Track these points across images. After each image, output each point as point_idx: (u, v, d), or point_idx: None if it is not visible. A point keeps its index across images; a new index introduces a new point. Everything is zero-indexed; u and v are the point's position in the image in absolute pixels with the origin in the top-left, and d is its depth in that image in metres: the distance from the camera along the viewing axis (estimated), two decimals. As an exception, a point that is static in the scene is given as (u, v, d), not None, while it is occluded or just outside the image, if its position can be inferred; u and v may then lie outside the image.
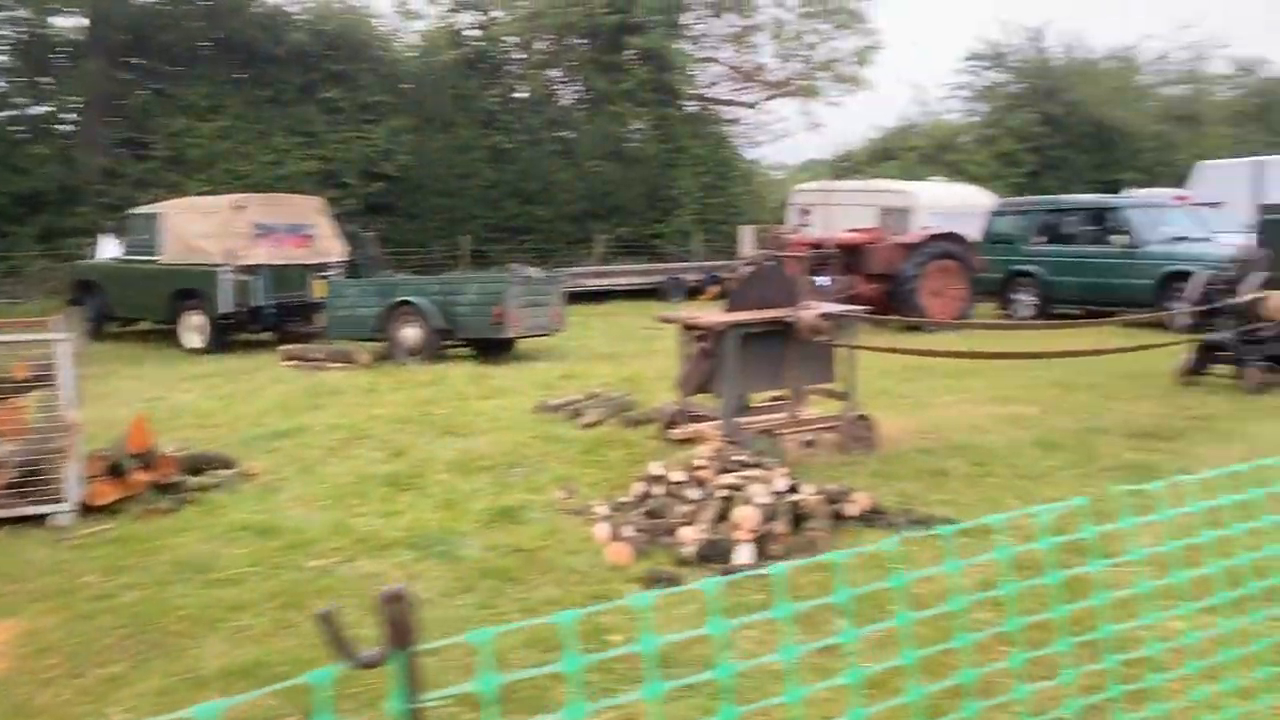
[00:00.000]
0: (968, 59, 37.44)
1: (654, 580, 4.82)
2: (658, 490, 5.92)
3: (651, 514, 5.69)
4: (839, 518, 5.57)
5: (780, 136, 34.08)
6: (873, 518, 5.63)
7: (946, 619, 2.27)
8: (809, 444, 7.64)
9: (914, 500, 6.10)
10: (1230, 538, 2.65)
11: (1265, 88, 41.15)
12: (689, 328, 7.49)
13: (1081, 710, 2.37)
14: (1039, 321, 15.45)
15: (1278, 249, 10.59)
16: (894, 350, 9.62)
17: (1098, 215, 17.26)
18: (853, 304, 15.53)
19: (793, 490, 5.68)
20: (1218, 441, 7.69)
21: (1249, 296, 9.98)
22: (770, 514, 5.41)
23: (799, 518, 5.42)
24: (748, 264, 8.87)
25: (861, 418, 7.54)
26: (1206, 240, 16.05)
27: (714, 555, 5.09)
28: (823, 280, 15.24)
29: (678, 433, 7.61)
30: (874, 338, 14.07)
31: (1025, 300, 17.46)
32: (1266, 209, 11.97)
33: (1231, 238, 14.98)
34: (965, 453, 7.31)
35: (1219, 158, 31.09)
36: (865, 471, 6.82)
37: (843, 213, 20.25)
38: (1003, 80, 37.21)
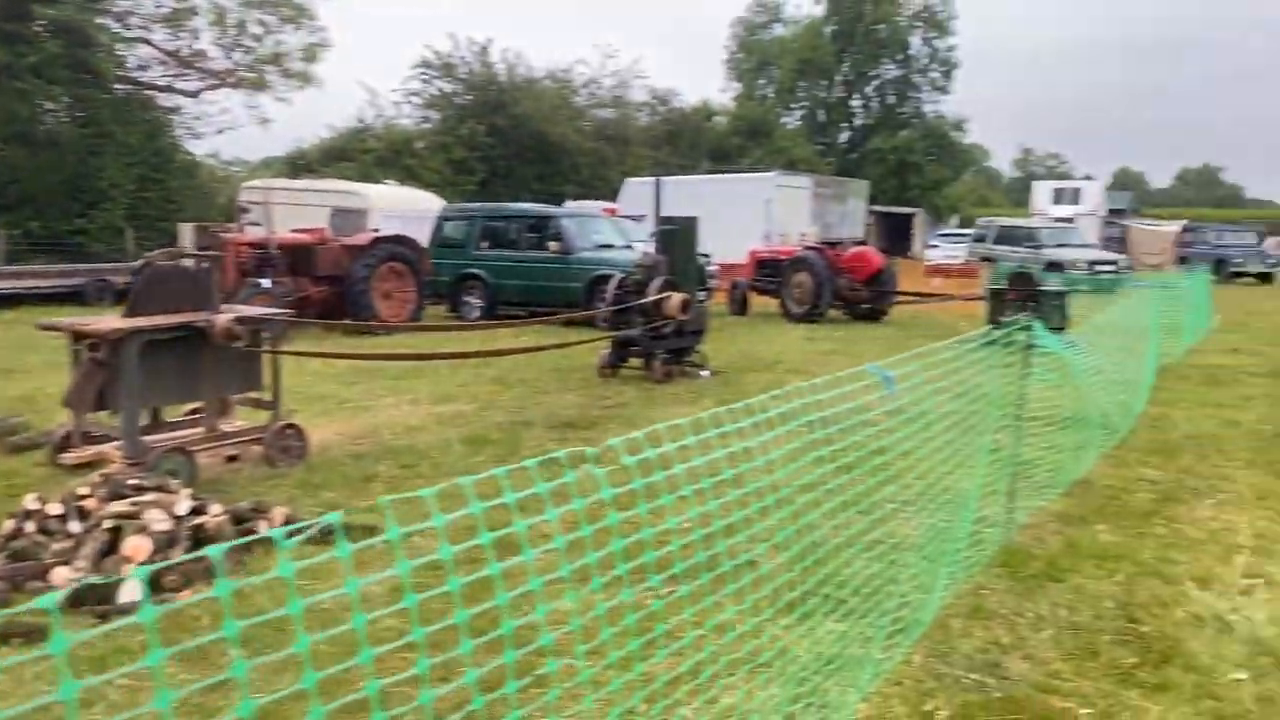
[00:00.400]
0: (417, 67, 38.25)
1: (7, 636, 4.05)
2: (31, 527, 5.05)
3: (18, 555, 4.83)
4: (249, 536, 5.18)
5: (226, 129, 32.00)
6: (289, 533, 5.31)
7: (352, 633, 2.12)
8: (232, 459, 7.09)
9: (339, 508, 5.89)
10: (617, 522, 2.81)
11: (676, 116, 47.62)
12: (79, 336, 6.53)
13: (485, 707, 2.35)
14: (485, 322, 16.16)
15: (673, 256, 12.13)
16: (324, 355, 9.35)
17: (535, 223, 18.54)
18: (300, 307, 15.16)
19: (198, 513, 5.17)
20: (627, 427, 8.53)
21: (653, 297, 11.33)
22: (168, 541, 4.87)
23: (201, 541, 4.94)
24: (144, 263, 7.94)
25: (289, 427, 7.17)
26: (628, 248, 18.05)
27: (94, 597, 4.43)
28: (266, 282, 14.47)
29: (71, 457, 6.61)
30: (322, 341, 13.73)
31: (473, 302, 18.24)
32: (663, 220, 13.67)
33: (647, 245, 17.05)
34: (396, 455, 7.29)
35: (640, 175, 35.43)
36: (290, 483, 6.48)
37: (293, 212, 19.50)
38: (451, 90, 38.61)
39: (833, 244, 20.27)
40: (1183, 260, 35.87)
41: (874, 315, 19.11)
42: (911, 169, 56.79)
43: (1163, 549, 5.33)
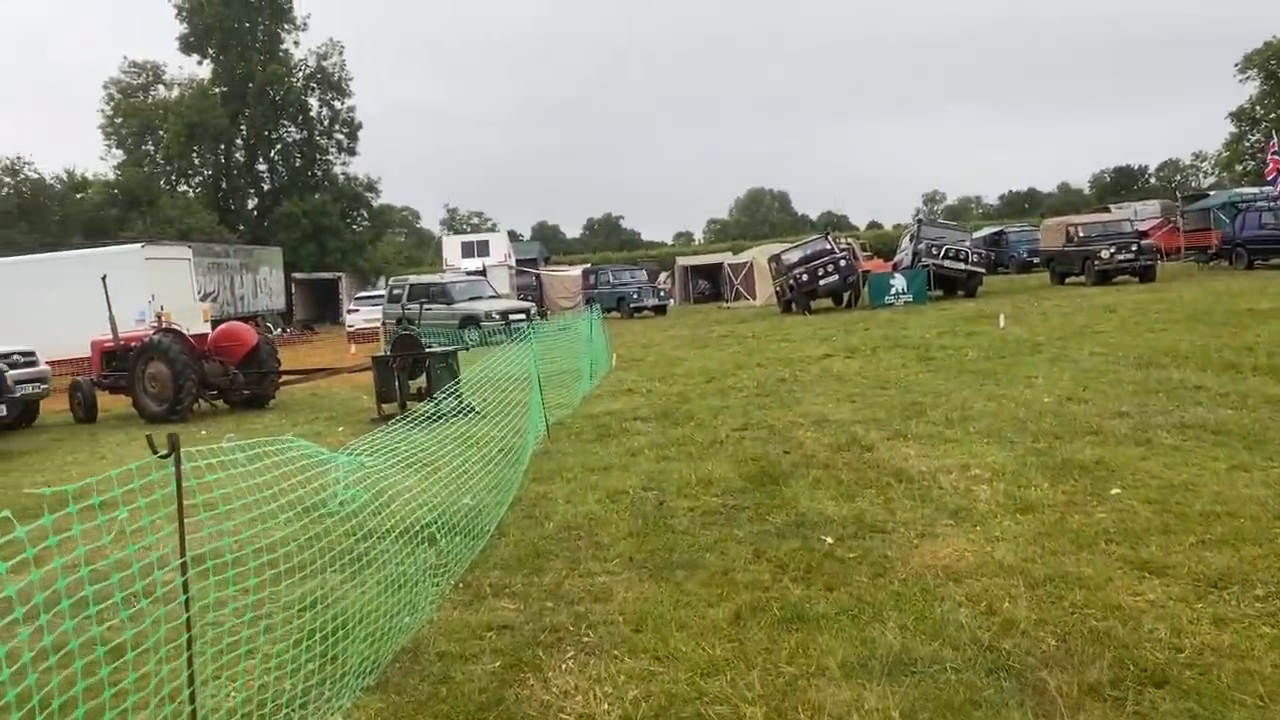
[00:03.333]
0: None
1: None
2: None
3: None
4: None
5: None
6: None
7: None
8: None
9: None
10: None
11: (31, 187, 39.89)
12: None
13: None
14: None
15: None
16: None
17: None
18: None
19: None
20: None
21: None
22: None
23: None
24: None
25: None
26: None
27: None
28: None
29: None
30: None
31: None
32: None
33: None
34: None
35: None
36: None
37: None
38: None
39: (249, 318, 16.86)
40: (589, 301, 37.77)
41: (258, 401, 16.06)
42: (328, 232, 54.24)
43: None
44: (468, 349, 15.10)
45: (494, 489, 7.09)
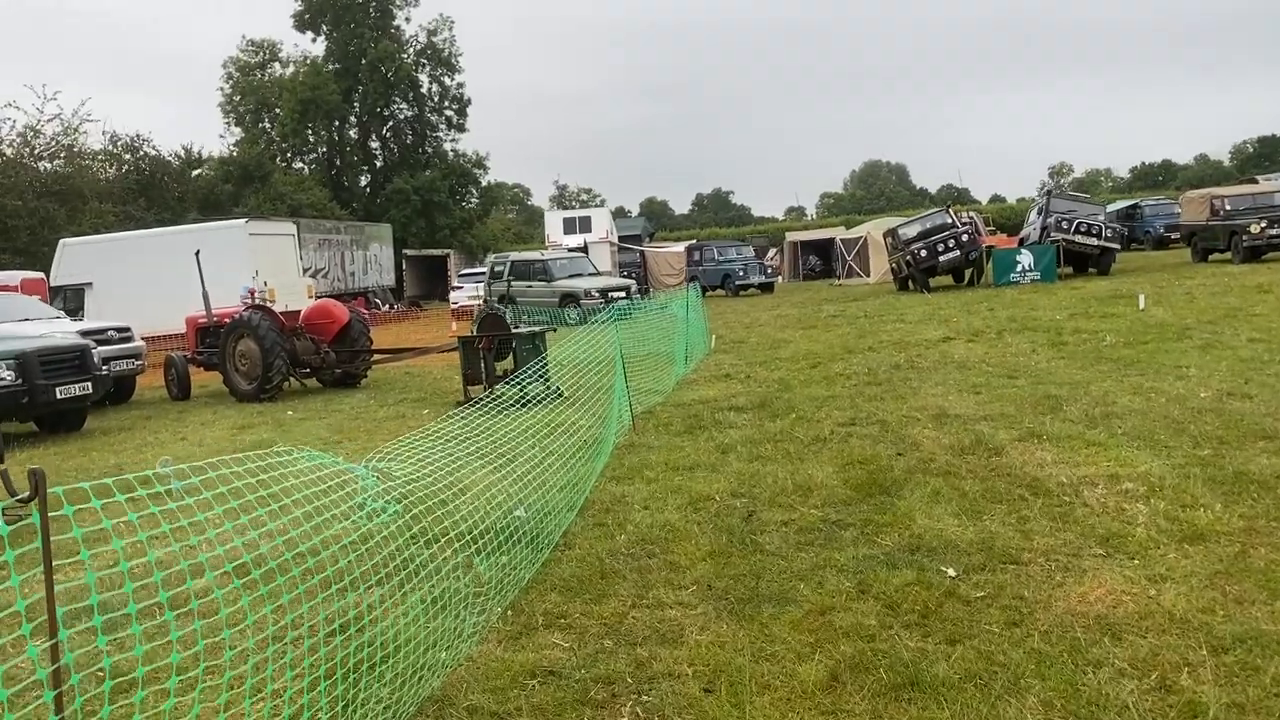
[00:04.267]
0: None
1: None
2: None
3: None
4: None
5: None
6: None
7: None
8: None
9: None
10: None
11: (149, 164, 41.00)
12: None
13: None
14: None
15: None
16: None
17: None
18: None
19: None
20: None
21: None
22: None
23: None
24: None
25: None
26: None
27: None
28: None
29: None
30: None
31: None
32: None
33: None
34: None
35: (104, 234, 29.21)
36: None
37: None
38: None
39: (359, 294, 16.64)
40: (693, 279, 36.79)
41: (350, 380, 15.73)
42: (438, 209, 54.57)
43: None
44: (554, 330, 14.37)
45: (566, 488, 6.33)
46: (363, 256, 41.81)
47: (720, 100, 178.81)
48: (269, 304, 15.81)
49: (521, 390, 8.60)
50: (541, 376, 10.46)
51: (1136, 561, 4.66)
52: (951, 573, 4.68)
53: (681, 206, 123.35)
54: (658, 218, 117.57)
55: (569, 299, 26.34)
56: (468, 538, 4.87)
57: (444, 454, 4.98)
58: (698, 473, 7.16)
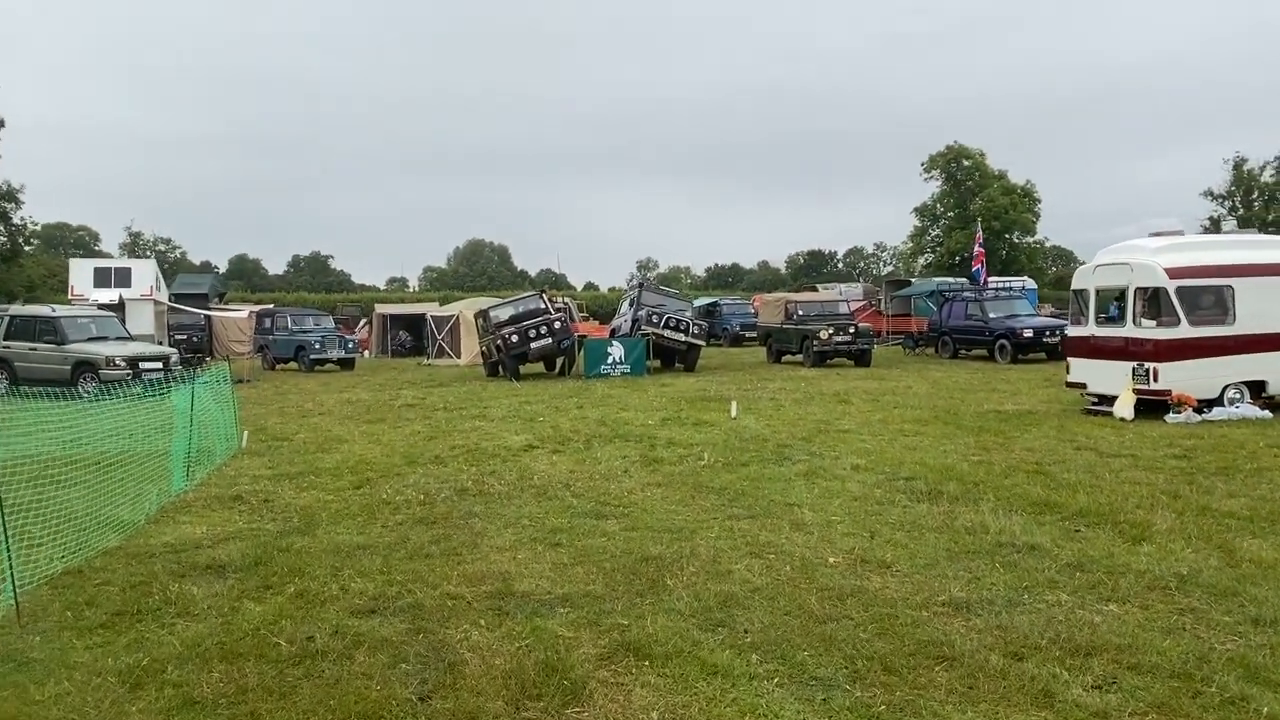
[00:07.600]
0: None
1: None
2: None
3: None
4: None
5: None
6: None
7: None
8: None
9: None
10: None
11: None
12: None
13: None
14: None
15: None
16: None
17: None
18: None
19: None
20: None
21: None
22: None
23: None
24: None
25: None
26: None
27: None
28: None
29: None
30: None
31: None
32: None
33: None
34: None
35: None
36: None
37: None
38: None
39: None
40: (261, 349, 32.13)
41: None
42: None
43: None
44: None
45: None
46: None
47: (324, 163, 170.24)
48: None
49: None
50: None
51: None
52: None
53: (276, 267, 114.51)
54: (249, 277, 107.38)
55: (85, 368, 21.05)
56: None
57: None
58: None
